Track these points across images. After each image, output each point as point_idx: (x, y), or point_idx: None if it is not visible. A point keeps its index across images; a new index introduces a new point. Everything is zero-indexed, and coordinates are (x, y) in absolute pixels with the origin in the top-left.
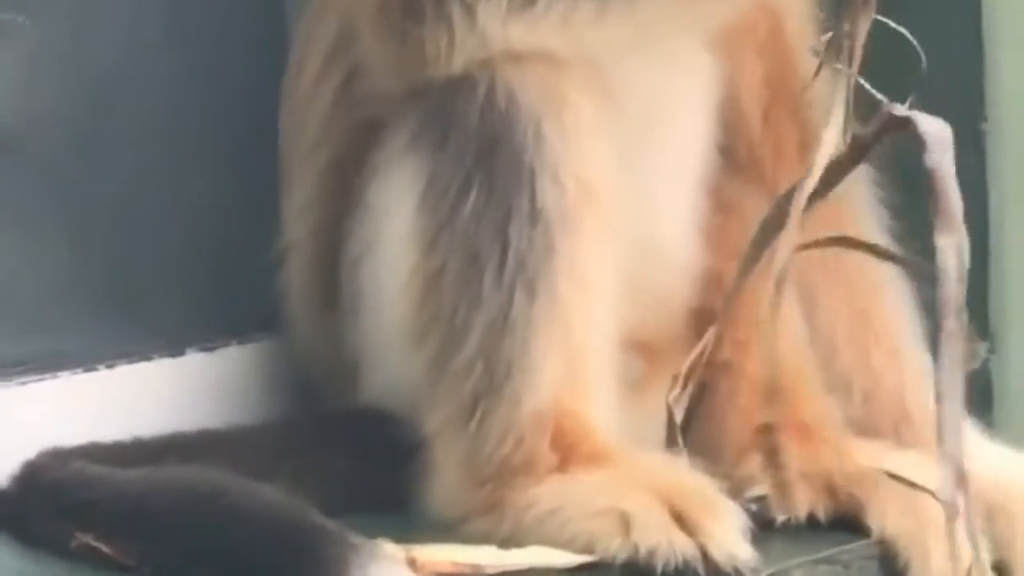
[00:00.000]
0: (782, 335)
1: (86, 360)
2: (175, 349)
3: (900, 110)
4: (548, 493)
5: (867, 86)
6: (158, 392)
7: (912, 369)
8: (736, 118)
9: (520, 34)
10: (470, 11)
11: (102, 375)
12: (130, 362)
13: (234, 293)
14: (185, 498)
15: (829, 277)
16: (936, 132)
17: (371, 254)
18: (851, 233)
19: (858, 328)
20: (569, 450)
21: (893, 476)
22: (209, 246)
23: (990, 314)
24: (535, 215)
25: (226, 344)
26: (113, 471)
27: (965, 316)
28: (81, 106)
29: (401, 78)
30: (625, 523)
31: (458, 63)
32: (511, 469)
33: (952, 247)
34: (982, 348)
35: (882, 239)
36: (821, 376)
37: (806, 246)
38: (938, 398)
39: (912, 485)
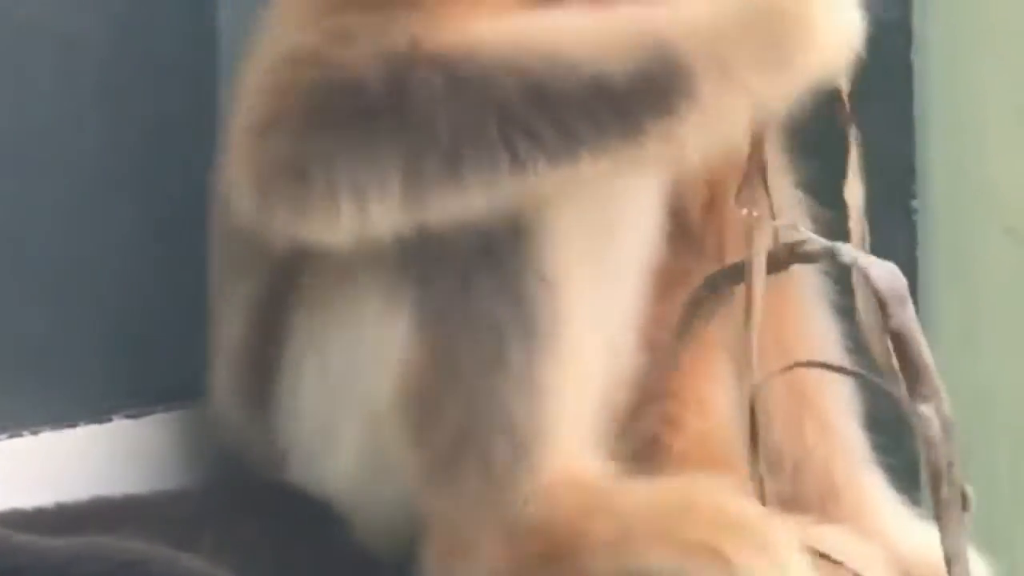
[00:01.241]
0: (714, 407)
1: (10, 426)
2: (100, 415)
3: (847, 254)
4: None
5: (802, 231)
6: (83, 458)
7: (842, 442)
8: (678, 208)
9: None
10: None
11: (26, 441)
12: (54, 428)
13: (160, 359)
14: (107, 567)
15: (767, 345)
16: (889, 283)
17: (321, 355)
18: (794, 317)
19: (793, 398)
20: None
21: (817, 552)
22: (135, 312)
23: None
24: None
25: (152, 411)
26: (36, 539)
27: (957, 474)
28: (5, 171)
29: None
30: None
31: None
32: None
33: (932, 411)
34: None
35: (828, 317)
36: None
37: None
38: (948, 564)
39: (835, 562)
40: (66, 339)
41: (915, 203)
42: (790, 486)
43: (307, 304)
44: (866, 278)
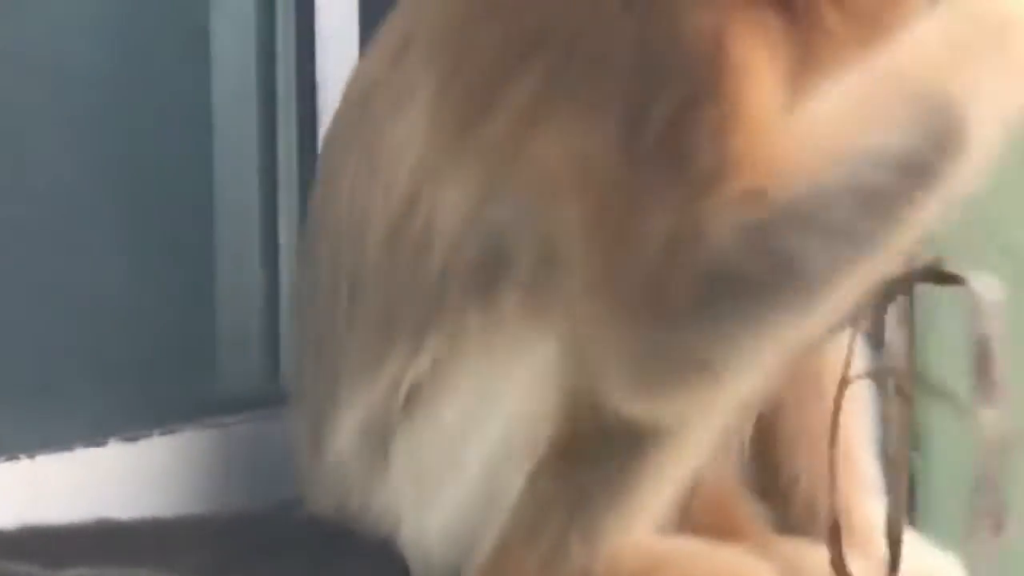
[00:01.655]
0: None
1: (7, 449)
2: (97, 439)
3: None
4: None
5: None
6: (80, 482)
7: (859, 472)
8: None
9: None
10: None
11: (23, 465)
12: (51, 452)
13: (157, 382)
14: None
15: (805, 384)
16: (989, 296)
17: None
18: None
19: (818, 426)
20: None
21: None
22: (133, 334)
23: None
24: None
25: (149, 434)
26: (39, 571)
27: (1002, 488)
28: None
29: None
30: None
31: None
32: None
33: (993, 419)
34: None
35: None
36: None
37: None
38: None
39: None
40: (62, 361)
41: None
42: (804, 516)
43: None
44: (967, 285)
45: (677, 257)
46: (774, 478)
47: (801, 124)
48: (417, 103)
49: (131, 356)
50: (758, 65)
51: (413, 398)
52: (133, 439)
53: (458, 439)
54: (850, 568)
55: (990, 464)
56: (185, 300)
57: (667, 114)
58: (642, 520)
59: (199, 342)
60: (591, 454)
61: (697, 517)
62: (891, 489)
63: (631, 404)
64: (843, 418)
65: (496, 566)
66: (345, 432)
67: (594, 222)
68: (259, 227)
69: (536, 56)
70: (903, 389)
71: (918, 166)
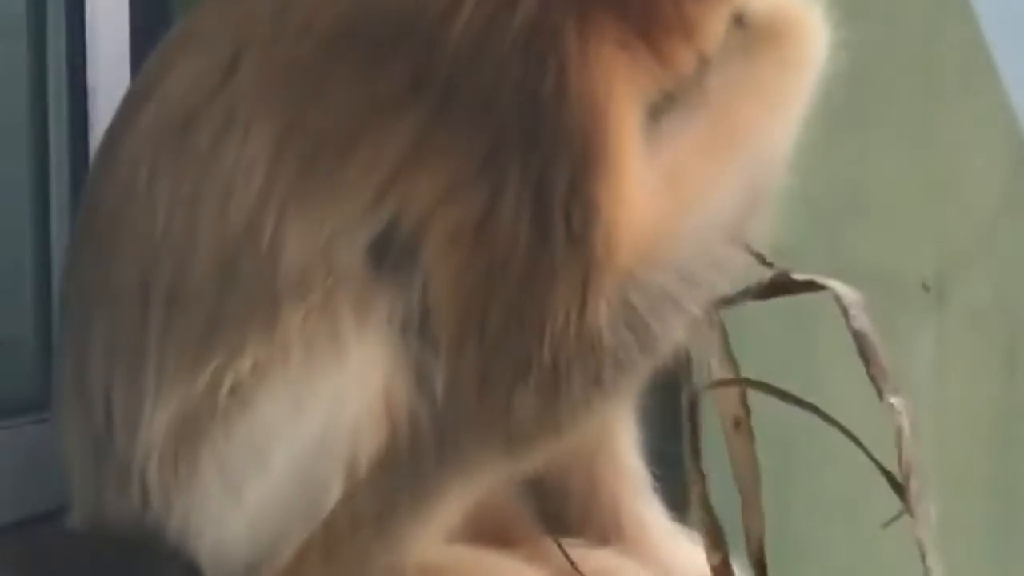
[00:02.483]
0: None
1: None
2: None
3: (801, 274)
4: None
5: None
6: None
7: (629, 476)
8: None
9: None
10: None
11: None
12: None
13: None
14: None
15: None
16: (851, 296)
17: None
18: None
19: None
20: None
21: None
22: None
23: None
24: None
25: None
26: None
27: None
28: None
29: None
30: None
31: None
32: None
33: (902, 405)
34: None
35: None
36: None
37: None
38: (921, 553)
39: None
40: None
41: None
42: (578, 516)
43: None
44: (829, 289)
45: (566, 330)
46: (550, 480)
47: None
48: (254, 138)
49: None
50: (633, 127)
51: (231, 398)
52: None
53: (271, 440)
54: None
55: (912, 448)
56: None
57: (561, 185)
58: (436, 532)
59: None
60: (405, 467)
61: (477, 524)
62: (747, 507)
63: (466, 438)
64: (611, 428)
65: (296, 569)
66: (152, 432)
67: (465, 271)
68: (30, 233)
69: (406, 109)
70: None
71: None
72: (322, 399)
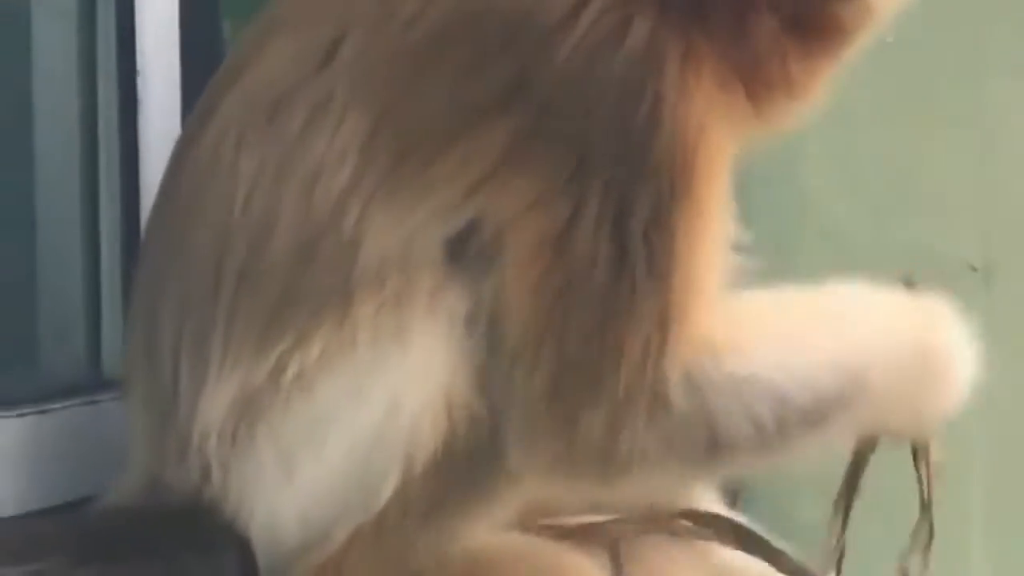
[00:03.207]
0: None
1: None
2: None
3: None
4: None
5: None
6: None
7: None
8: None
9: None
10: None
11: None
12: None
13: None
14: None
15: None
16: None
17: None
18: None
19: None
20: None
21: None
22: None
23: None
24: None
25: None
26: None
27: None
28: None
29: None
30: None
31: None
32: None
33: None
34: None
35: None
36: None
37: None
38: None
39: None
40: None
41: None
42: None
43: None
44: None
45: (637, 366)
46: None
47: (750, 303)
48: (349, 124)
49: None
50: (722, 167)
51: (294, 380)
52: None
53: (330, 425)
54: None
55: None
56: (6, 288)
57: (642, 211)
58: (485, 526)
59: (20, 330)
60: (459, 464)
61: (528, 508)
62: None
63: (520, 460)
64: None
65: (342, 555)
66: (215, 405)
67: (545, 281)
68: (80, 216)
69: (504, 114)
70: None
71: (825, 413)
72: (384, 390)
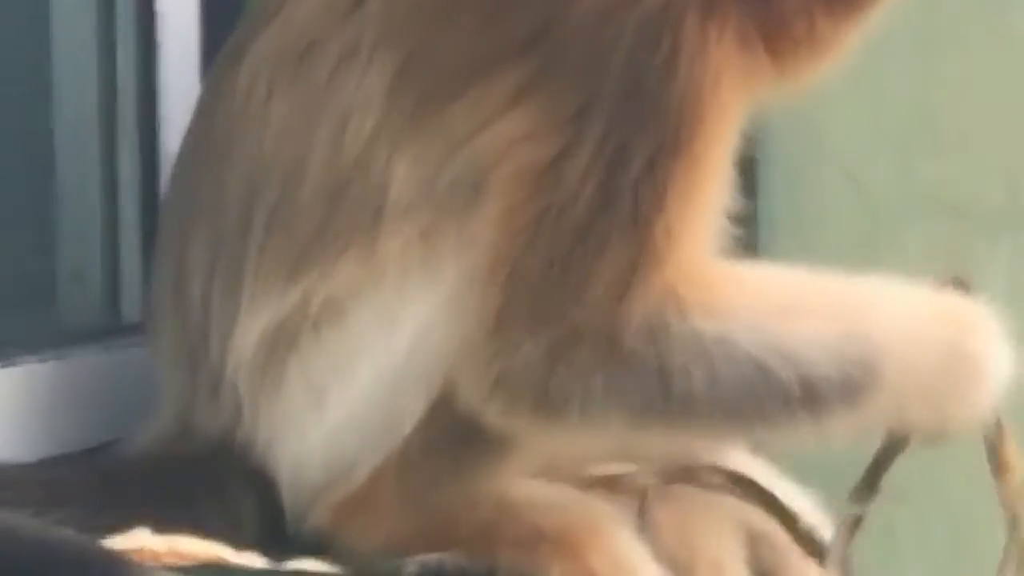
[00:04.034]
0: None
1: None
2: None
3: None
4: None
5: None
6: None
7: None
8: None
9: None
10: None
11: None
12: None
13: None
14: None
15: None
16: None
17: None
18: None
19: None
20: None
21: None
22: None
23: None
24: None
25: None
26: None
27: None
28: None
29: None
30: None
31: None
32: None
33: None
34: None
35: None
36: None
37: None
38: None
39: None
40: None
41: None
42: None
43: None
44: None
45: (595, 305)
46: None
47: (742, 270)
48: (373, 70)
49: None
50: (731, 128)
51: (323, 310)
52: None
53: (358, 354)
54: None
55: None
56: (25, 232)
57: (639, 160)
58: (514, 472)
59: (39, 275)
60: None
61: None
62: None
63: (467, 388)
64: None
65: (366, 491)
66: (245, 341)
67: (517, 209)
68: (99, 161)
69: (521, 58)
70: None
71: (818, 395)
72: (413, 320)
